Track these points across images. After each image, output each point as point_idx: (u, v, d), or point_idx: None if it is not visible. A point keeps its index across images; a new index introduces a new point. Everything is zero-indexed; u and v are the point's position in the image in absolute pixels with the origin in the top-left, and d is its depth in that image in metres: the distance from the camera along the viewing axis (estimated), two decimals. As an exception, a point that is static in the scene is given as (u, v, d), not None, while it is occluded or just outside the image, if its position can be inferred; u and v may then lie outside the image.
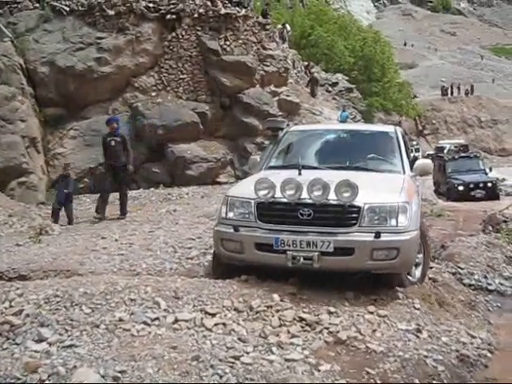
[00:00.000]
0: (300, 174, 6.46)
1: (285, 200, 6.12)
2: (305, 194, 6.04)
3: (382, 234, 5.89)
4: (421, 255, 6.81)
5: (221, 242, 6.49)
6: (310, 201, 6.04)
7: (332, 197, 5.98)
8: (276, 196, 6.16)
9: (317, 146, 8.00)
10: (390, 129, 8.32)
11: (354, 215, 5.96)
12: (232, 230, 6.29)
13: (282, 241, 6.02)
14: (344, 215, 6.00)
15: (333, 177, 6.18)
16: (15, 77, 18.12)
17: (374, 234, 5.88)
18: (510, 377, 5.29)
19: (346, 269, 6.13)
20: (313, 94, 27.22)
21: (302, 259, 5.93)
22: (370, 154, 7.53)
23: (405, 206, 6.08)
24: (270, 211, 6.20)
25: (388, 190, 6.39)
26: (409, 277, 6.58)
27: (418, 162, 7.68)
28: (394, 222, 5.98)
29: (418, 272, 6.80)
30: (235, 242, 6.32)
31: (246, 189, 6.53)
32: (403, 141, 7.84)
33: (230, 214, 6.42)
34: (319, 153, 7.86)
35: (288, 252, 5.98)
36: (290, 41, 32.49)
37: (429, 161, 7.92)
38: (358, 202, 5.94)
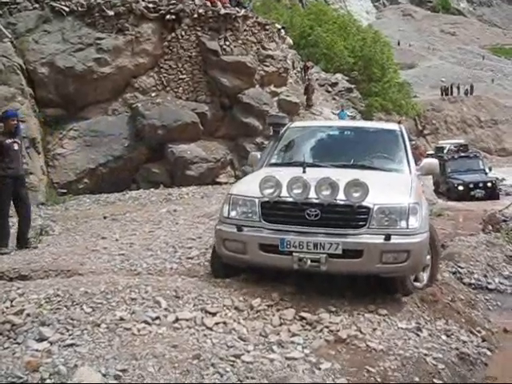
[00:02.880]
0: (304, 171, 6.32)
1: (291, 199, 5.91)
2: (312, 194, 5.84)
3: (392, 237, 5.70)
4: (428, 257, 6.60)
5: (223, 242, 6.27)
6: (317, 201, 5.83)
7: (341, 197, 5.80)
8: (282, 195, 5.95)
9: (320, 143, 7.87)
10: (395, 126, 8.14)
11: (363, 216, 5.77)
12: (235, 230, 6.06)
13: (289, 242, 5.80)
14: (353, 216, 5.81)
15: (339, 175, 6.00)
16: (15, 77, 18.10)
17: (383, 236, 5.70)
18: (509, 375, 5.31)
19: (355, 272, 5.92)
20: (309, 104, 26.94)
21: (308, 261, 5.70)
22: (376, 152, 7.38)
23: (415, 207, 5.92)
24: (275, 211, 5.97)
25: (397, 190, 6.24)
26: (416, 283, 6.47)
27: (424, 161, 7.51)
28: (404, 223, 5.81)
29: (425, 276, 6.67)
30: (238, 242, 6.09)
31: (249, 187, 6.30)
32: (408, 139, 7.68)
33: (233, 213, 6.19)
34: (323, 150, 7.72)
35: (294, 254, 5.76)
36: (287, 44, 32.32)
37: (435, 160, 7.67)
38: (368, 202, 5.76)
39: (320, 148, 7.79)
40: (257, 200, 6.03)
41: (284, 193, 5.93)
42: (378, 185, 6.09)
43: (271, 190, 5.98)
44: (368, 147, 7.59)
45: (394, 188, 6.32)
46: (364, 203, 5.76)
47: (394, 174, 6.98)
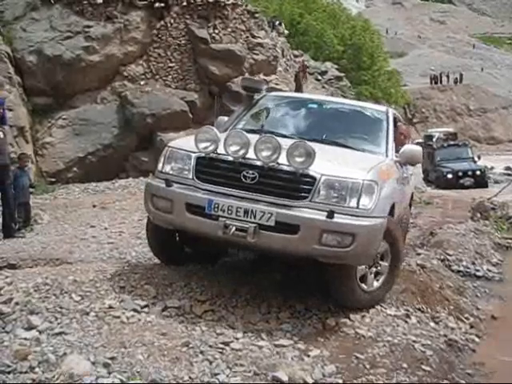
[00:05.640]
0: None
1: (229, 158, 5.24)
2: (251, 154, 5.15)
3: (335, 215, 4.92)
4: (386, 263, 5.73)
5: (151, 198, 5.64)
6: (258, 162, 5.14)
7: (283, 161, 5.08)
8: (219, 151, 5.30)
9: (295, 115, 7.18)
10: (381, 108, 7.59)
11: (307, 187, 5.03)
12: (163, 185, 5.45)
13: (216, 204, 5.10)
14: (294, 185, 5.07)
15: None
16: (2, 66, 17.98)
17: (326, 213, 4.93)
18: (497, 362, 5.34)
19: (287, 250, 5.12)
20: (300, 89, 26.91)
21: (233, 229, 5.00)
22: (354, 132, 6.76)
23: (370, 185, 5.13)
24: (209, 169, 5.32)
25: (356, 165, 5.48)
26: (362, 284, 5.55)
27: (405, 147, 6.62)
28: (353, 202, 5.03)
29: (376, 282, 5.71)
30: (165, 199, 5.45)
31: (189, 141, 5.59)
32: (393, 123, 7.02)
33: (167, 168, 5.57)
34: (295, 122, 7.02)
35: (220, 219, 5.08)
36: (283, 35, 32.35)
37: (418, 147, 6.76)
38: (315, 172, 5.05)
39: (293, 119, 7.10)
40: (193, 155, 5.41)
41: (221, 149, 5.29)
42: (336, 158, 5.59)
43: (206, 144, 5.36)
44: (346, 125, 6.96)
45: (354, 163, 5.60)
46: (310, 172, 5.06)
47: (366, 154, 6.29)
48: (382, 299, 5.78)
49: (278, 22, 31.61)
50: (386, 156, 6.37)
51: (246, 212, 5.04)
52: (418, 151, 6.55)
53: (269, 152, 5.10)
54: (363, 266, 5.49)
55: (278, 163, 5.10)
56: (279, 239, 5.00)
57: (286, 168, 5.10)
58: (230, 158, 5.23)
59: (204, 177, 5.30)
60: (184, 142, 5.76)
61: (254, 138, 5.29)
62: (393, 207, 5.80)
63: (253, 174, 5.13)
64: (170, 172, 5.53)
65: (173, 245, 6.25)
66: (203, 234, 5.43)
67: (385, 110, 7.28)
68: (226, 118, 7.42)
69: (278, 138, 5.33)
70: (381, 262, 5.67)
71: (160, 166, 5.67)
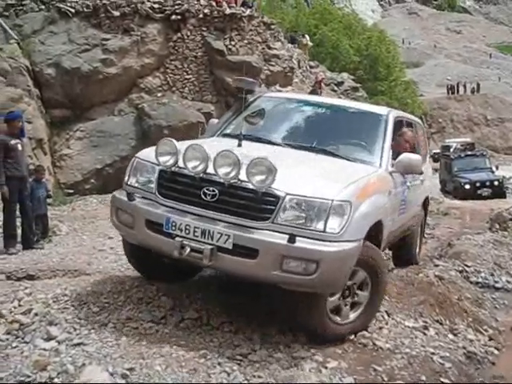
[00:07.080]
0: (240, 145, 5.36)
1: (191, 173, 4.86)
2: (211, 169, 4.77)
3: (297, 238, 4.49)
4: (365, 293, 5.23)
5: (115, 211, 5.36)
6: (219, 178, 4.73)
7: (245, 178, 4.67)
8: (180, 165, 4.96)
9: (287, 119, 6.78)
10: (381, 111, 6.86)
11: (269, 206, 4.60)
12: (126, 198, 5.15)
13: (174, 223, 4.79)
14: (256, 204, 4.64)
15: (274, 156, 4.88)
16: (21, 78, 18.16)
17: (288, 237, 4.50)
18: (517, 374, 5.30)
19: (246, 276, 4.75)
20: None
21: (188, 250, 4.68)
22: (349, 138, 6.34)
23: (341, 205, 4.63)
24: (170, 183, 4.99)
25: (333, 180, 4.99)
26: (336, 317, 5.09)
27: (402, 156, 6.11)
28: (320, 225, 4.56)
29: (352, 314, 5.21)
30: (128, 213, 5.16)
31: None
32: (393, 129, 6.49)
33: (133, 180, 5.27)
34: (286, 126, 6.61)
35: (177, 238, 4.76)
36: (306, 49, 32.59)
37: (416, 156, 6.29)
38: (278, 190, 4.61)
39: (284, 124, 6.67)
40: (157, 167, 5.08)
41: (181, 163, 4.94)
42: (314, 170, 5.20)
43: (167, 158, 5.03)
44: (341, 130, 6.51)
45: (332, 177, 5.12)
46: (274, 190, 4.61)
47: (354, 164, 5.80)
48: (359, 330, 5.28)
49: (301, 35, 31.89)
50: (380, 166, 5.95)
51: (203, 232, 4.70)
52: (416, 160, 6.14)
53: (228, 168, 4.72)
54: (336, 298, 5.05)
55: (239, 180, 4.71)
56: (237, 263, 4.63)
57: (247, 185, 4.69)
58: (192, 173, 4.87)
59: (165, 192, 5.00)
60: (151, 153, 5.28)
61: (232, 145, 5.12)
62: (379, 224, 5.40)
63: (213, 190, 4.75)
64: (135, 185, 5.25)
65: (149, 258, 5.75)
66: (162, 253, 5.13)
67: (385, 113, 6.72)
68: (216, 121, 7.13)
69: (266, 145, 5.36)
70: (361, 292, 5.22)
71: (126, 177, 5.38)
